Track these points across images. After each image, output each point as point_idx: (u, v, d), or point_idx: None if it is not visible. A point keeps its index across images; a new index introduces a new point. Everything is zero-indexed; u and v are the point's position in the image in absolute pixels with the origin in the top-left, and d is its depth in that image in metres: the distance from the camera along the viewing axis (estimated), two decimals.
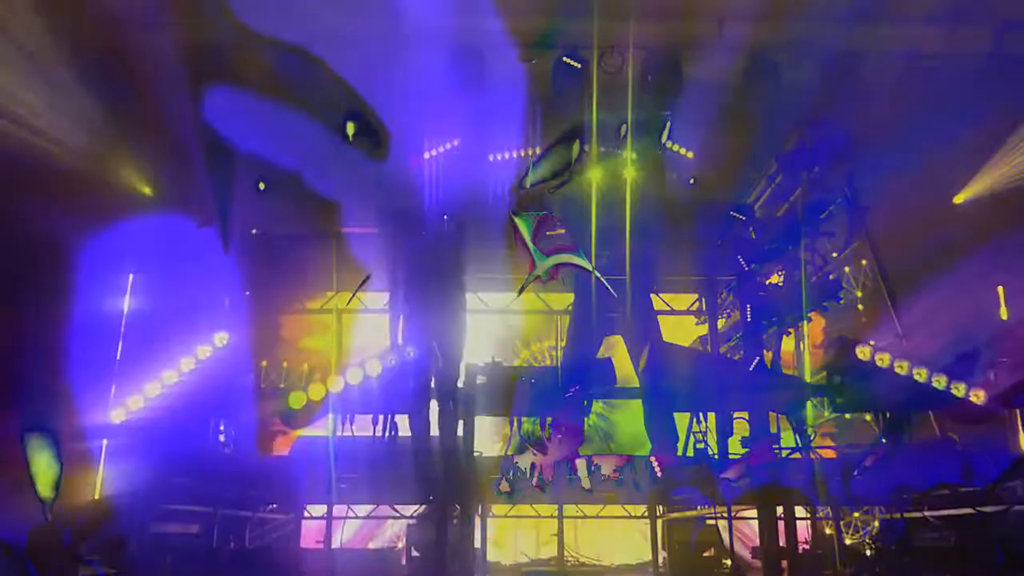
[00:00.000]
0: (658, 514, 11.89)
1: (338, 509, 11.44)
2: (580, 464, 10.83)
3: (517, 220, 10.99)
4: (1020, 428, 11.63)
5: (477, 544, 11.37)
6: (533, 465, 11.03)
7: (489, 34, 10.73)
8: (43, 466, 6.97)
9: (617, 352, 12.51)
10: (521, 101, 11.42)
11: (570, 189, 11.83)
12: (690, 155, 12.09)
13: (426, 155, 12.06)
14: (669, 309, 14.18)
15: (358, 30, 10.38)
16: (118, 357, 11.53)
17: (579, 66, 11.01)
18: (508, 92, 11.30)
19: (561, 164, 11.42)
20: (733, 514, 11.09)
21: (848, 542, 10.25)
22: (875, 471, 7.98)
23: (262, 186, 11.66)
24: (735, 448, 12.00)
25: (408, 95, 10.92)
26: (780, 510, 10.96)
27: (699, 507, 11.30)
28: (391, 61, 10.57)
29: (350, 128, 10.80)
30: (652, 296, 12.48)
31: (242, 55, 10.43)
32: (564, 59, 11.06)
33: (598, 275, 11.34)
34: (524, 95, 11.44)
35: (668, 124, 11.37)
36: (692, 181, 11.92)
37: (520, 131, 11.83)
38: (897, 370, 11.21)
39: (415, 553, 10.01)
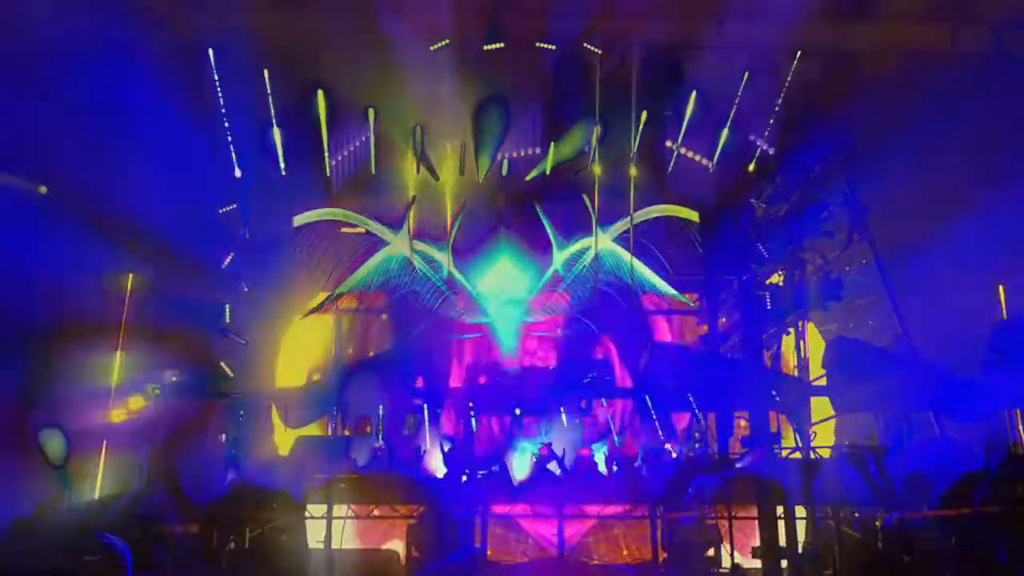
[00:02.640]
0: (658, 514, 11.88)
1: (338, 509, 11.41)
2: (598, 455, 10.88)
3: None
4: (1020, 428, 11.64)
5: (477, 543, 11.36)
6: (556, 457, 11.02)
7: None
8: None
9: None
10: (523, 100, 11.46)
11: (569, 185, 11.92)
12: (691, 155, 12.11)
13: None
14: (669, 309, 14.13)
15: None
16: (118, 356, 11.53)
17: (599, 52, 11.03)
18: (509, 91, 11.34)
19: (563, 160, 11.50)
20: (733, 514, 11.08)
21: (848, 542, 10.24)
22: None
23: None
24: (735, 448, 12.00)
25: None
26: (780, 510, 10.94)
27: (699, 507, 11.29)
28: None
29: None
30: (647, 296, 12.51)
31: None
32: (585, 45, 11.10)
33: (617, 248, 11.39)
34: (526, 94, 11.49)
35: (684, 127, 11.40)
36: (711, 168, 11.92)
37: (522, 130, 11.85)
38: None
39: (415, 553, 10.00)
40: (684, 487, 9.46)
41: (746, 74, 11.16)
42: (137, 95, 10.00)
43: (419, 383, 12.14)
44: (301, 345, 12.99)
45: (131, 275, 11.87)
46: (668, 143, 11.89)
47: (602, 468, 11.09)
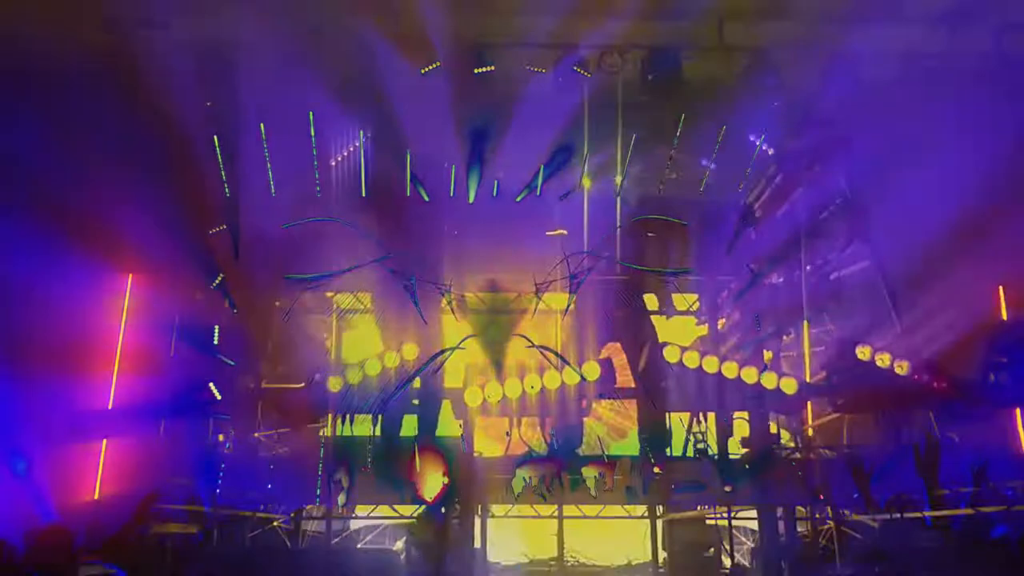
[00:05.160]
0: (658, 514, 11.87)
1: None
2: (588, 473, 10.80)
3: None
4: (1020, 428, 11.63)
5: (477, 544, 11.36)
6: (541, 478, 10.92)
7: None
8: None
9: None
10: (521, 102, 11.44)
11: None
12: (690, 155, 12.10)
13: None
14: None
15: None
16: (119, 355, 11.56)
17: (588, 75, 11.11)
18: (509, 93, 11.33)
19: (562, 165, 11.49)
20: (733, 514, 11.07)
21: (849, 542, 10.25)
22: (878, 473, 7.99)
23: None
24: (735, 448, 11.99)
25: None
26: (780, 510, 10.96)
27: (699, 507, 11.27)
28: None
29: None
30: (647, 296, 12.50)
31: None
32: (574, 67, 11.14)
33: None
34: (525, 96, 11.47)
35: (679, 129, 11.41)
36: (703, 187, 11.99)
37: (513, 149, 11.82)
38: (897, 370, 11.33)
39: (415, 553, 10.01)
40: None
41: (745, 75, 11.12)
42: (127, 112, 10.03)
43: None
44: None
45: (131, 276, 11.92)
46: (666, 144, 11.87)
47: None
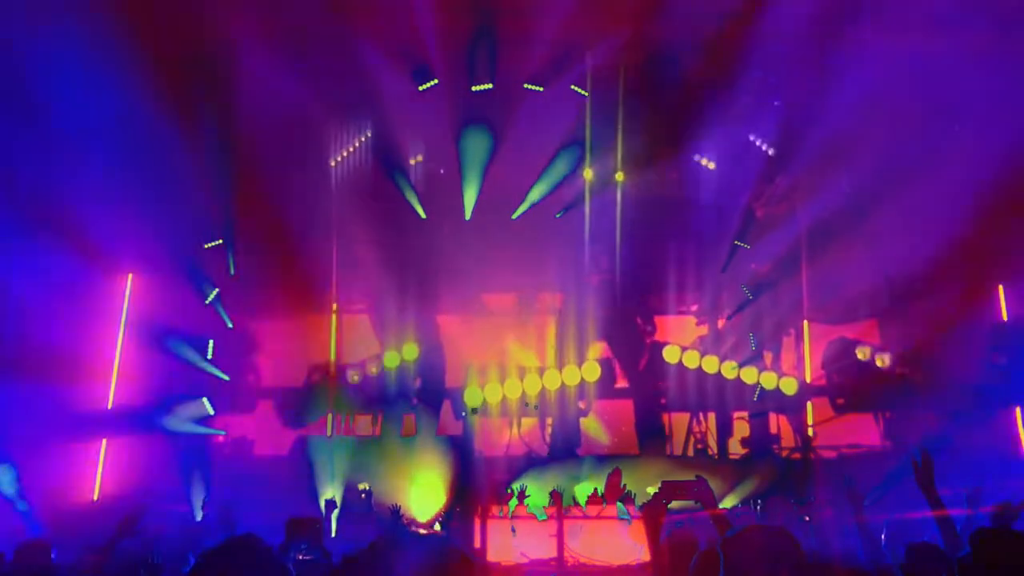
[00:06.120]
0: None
1: None
2: (580, 493, 10.80)
3: None
4: (1020, 428, 11.62)
5: (477, 544, 11.34)
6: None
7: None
8: None
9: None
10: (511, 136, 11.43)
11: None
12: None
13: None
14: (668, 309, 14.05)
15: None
16: (118, 356, 11.56)
17: (586, 95, 11.06)
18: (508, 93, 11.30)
19: (564, 167, 11.46)
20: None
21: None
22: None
23: None
24: (735, 448, 11.98)
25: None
26: None
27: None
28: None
29: None
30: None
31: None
32: (572, 87, 11.17)
33: None
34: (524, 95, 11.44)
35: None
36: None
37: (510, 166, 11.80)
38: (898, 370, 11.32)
39: None
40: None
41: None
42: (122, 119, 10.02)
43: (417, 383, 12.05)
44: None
45: (131, 276, 11.90)
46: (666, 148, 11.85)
47: None
